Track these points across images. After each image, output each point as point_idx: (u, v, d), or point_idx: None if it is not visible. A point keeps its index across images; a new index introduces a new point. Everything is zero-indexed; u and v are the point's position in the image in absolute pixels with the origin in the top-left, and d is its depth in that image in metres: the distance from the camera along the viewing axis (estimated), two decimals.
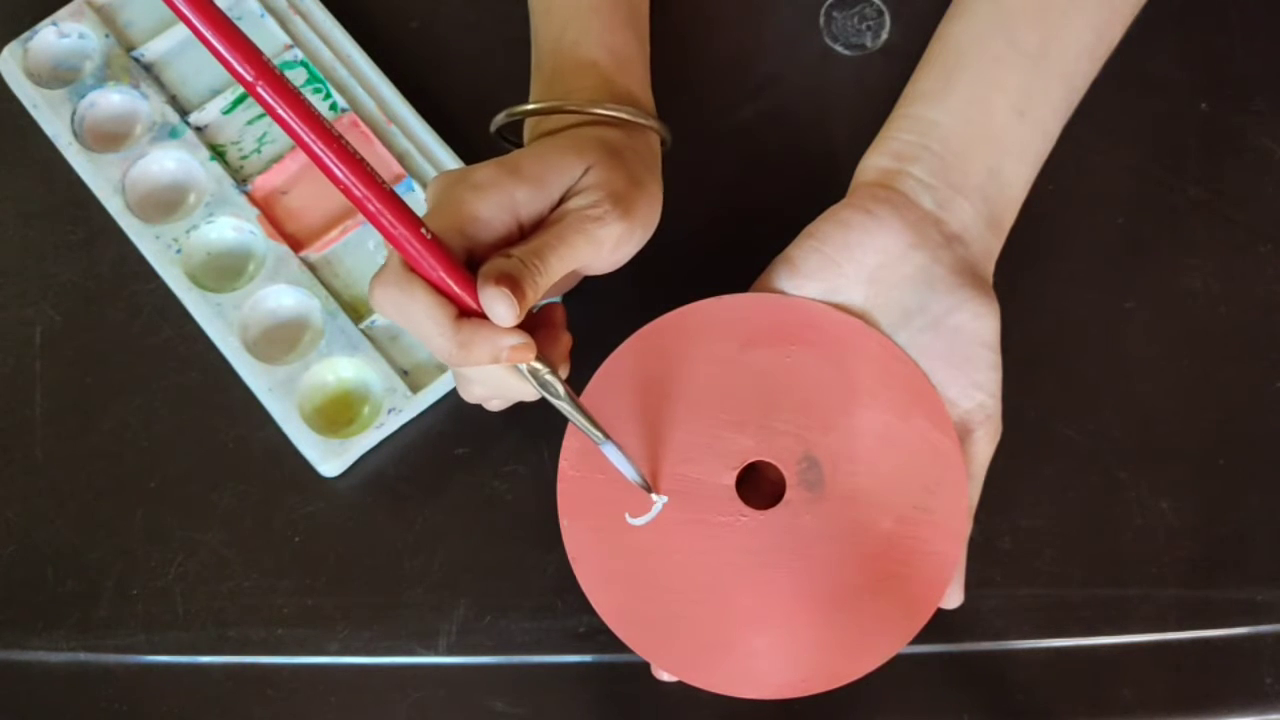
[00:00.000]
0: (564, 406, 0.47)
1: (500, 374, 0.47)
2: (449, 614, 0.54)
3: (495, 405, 0.52)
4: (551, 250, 0.46)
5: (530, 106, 0.53)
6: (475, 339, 0.45)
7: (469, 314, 0.45)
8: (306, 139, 0.41)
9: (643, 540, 0.50)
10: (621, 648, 0.50)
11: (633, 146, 0.51)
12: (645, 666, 0.51)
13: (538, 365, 0.46)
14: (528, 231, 0.48)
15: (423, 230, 0.44)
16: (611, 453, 0.48)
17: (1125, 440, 0.57)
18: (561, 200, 0.48)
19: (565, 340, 0.50)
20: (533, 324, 0.49)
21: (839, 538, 0.50)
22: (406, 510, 0.56)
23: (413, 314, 0.45)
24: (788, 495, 0.50)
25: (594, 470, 0.49)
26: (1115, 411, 0.57)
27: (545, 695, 0.53)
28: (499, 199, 0.47)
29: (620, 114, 0.51)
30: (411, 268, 0.45)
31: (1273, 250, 0.60)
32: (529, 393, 0.48)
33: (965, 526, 0.50)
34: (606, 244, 0.48)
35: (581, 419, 0.47)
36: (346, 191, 0.42)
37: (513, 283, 0.44)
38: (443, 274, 0.44)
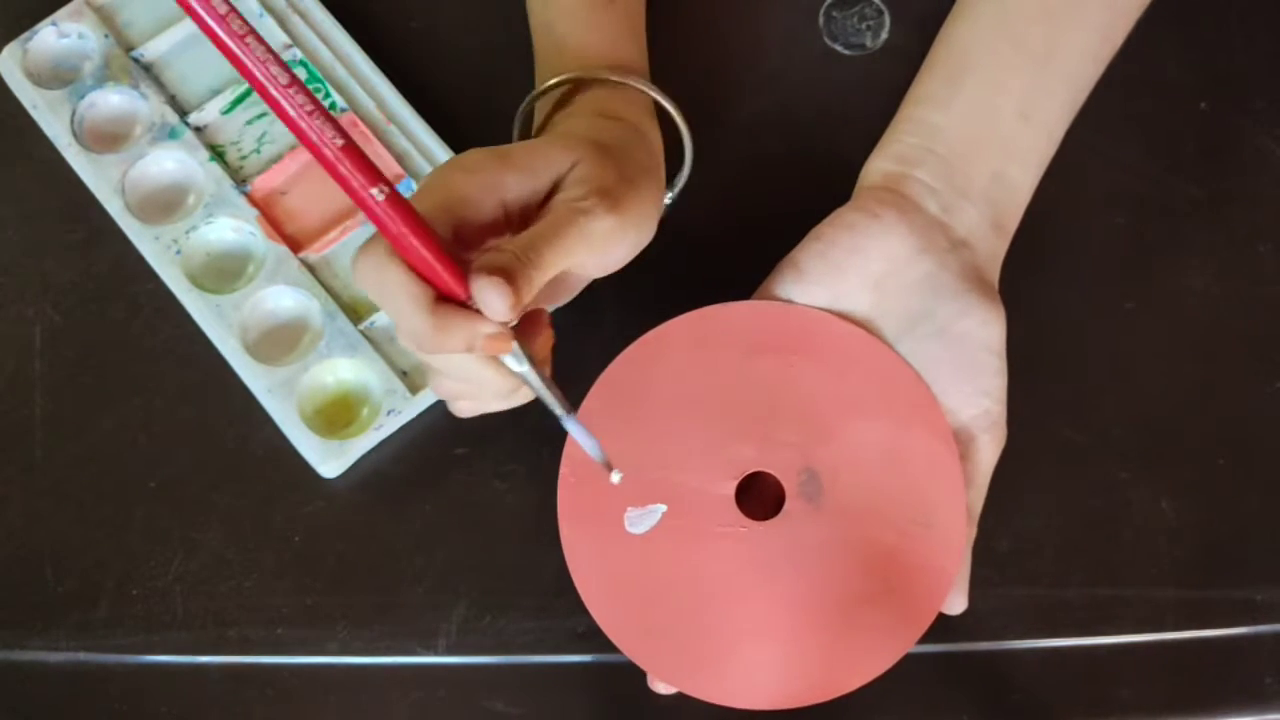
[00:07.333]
0: (530, 377, 0.45)
1: (471, 364, 0.46)
2: (449, 614, 0.54)
3: (463, 408, 0.50)
4: (544, 241, 0.45)
5: (547, 84, 0.53)
6: (452, 322, 0.43)
7: (448, 299, 0.44)
8: (290, 113, 0.39)
9: (642, 549, 0.50)
10: None
11: (626, 148, 0.51)
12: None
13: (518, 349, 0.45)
14: (514, 220, 0.47)
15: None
16: (574, 429, 0.46)
17: (1125, 440, 0.57)
18: (550, 194, 0.47)
19: (547, 335, 0.48)
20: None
21: (838, 549, 0.49)
22: (406, 510, 0.56)
23: (392, 288, 0.43)
24: (787, 506, 0.50)
25: (594, 478, 0.49)
26: (1115, 412, 0.57)
27: (545, 695, 0.53)
28: (486, 181, 0.46)
29: (627, 81, 0.52)
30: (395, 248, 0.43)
31: (1273, 250, 0.60)
32: (499, 389, 0.46)
33: (964, 538, 0.50)
34: (597, 239, 0.47)
35: (547, 393, 0.46)
36: (327, 165, 0.41)
37: (507, 275, 0.43)
38: (426, 254, 0.42)
